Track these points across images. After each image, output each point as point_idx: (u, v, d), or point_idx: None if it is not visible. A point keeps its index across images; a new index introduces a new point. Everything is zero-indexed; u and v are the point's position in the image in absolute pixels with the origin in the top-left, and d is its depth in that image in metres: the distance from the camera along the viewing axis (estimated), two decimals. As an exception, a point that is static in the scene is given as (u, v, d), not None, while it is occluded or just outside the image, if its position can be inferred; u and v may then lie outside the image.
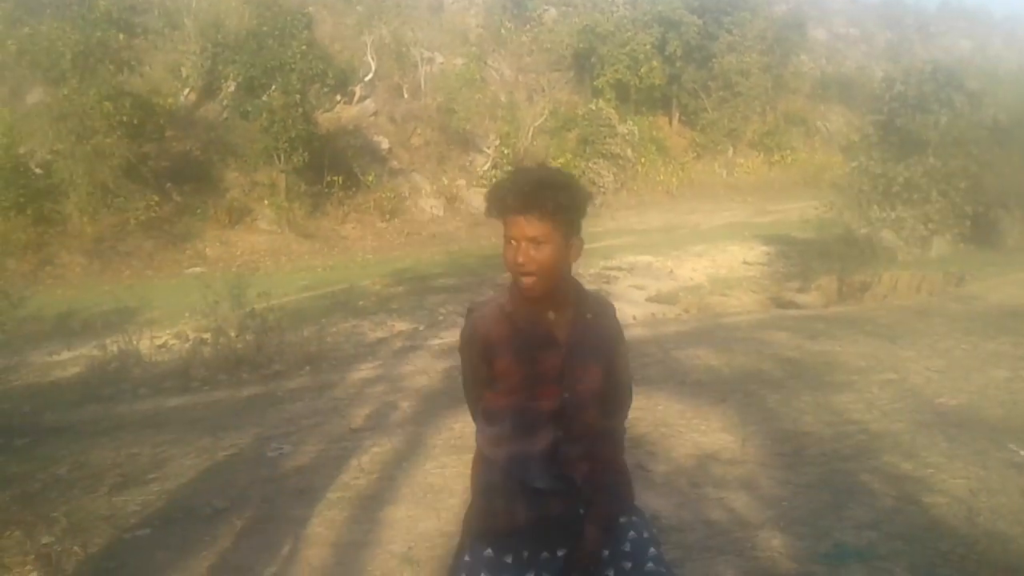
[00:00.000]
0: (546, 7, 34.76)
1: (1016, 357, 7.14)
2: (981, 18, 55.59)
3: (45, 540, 4.21)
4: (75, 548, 4.11)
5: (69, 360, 9.34)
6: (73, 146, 17.25)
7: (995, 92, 16.95)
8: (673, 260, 16.73)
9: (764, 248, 17.64)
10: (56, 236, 17.27)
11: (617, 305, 8.88)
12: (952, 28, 50.68)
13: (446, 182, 24.88)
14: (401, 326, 11.13)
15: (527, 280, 2.08)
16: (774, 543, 3.84)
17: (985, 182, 15.92)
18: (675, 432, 5.51)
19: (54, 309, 12.23)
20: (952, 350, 7.54)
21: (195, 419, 6.54)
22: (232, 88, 22.22)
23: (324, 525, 4.30)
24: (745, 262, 16.66)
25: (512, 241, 2.07)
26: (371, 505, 4.52)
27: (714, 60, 32.09)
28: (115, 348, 8.36)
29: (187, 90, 22.47)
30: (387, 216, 22.52)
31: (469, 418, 2.39)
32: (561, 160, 27.05)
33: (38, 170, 17.57)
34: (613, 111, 28.82)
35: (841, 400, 6.05)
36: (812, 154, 33.20)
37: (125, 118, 17.78)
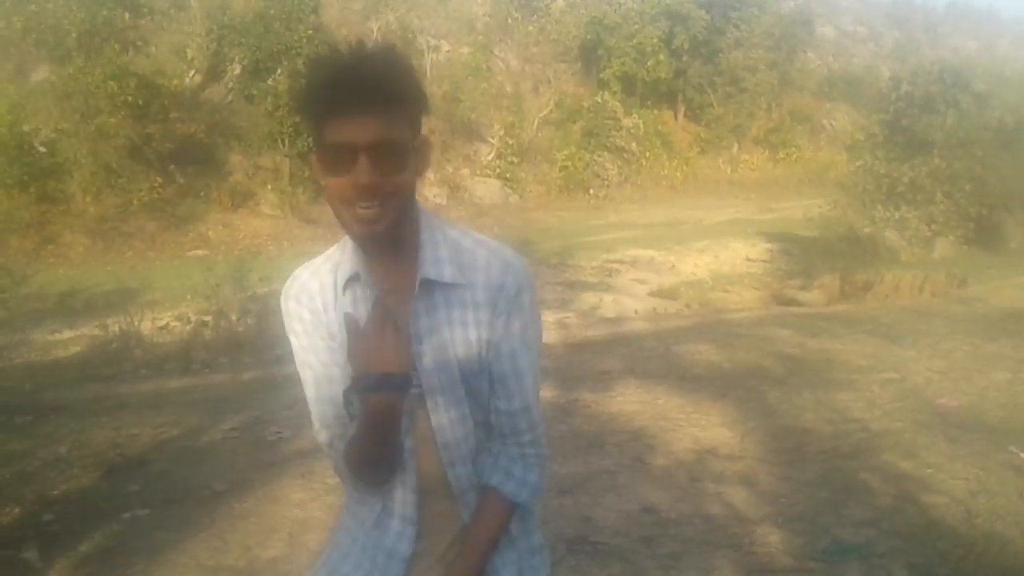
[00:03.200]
0: (554, -3, 34.66)
1: (1017, 360, 7.14)
2: (989, 19, 55.56)
3: (45, 518, 4.22)
4: (74, 527, 4.12)
5: (71, 339, 9.34)
6: (77, 125, 17.23)
7: (1002, 94, 16.94)
8: (675, 255, 16.71)
9: (767, 245, 17.63)
10: (59, 215, 17.25)
11: (619, 298, 8.91)
12: (959, 29, 50.61)
13: (450, 171, 24.84)
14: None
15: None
16: (772, 539, 3.85)
17: (990, 184, 15.91)
18: (675, 426, 5.52)
19: (56, 288, 12.22)
20: (953, 351, 7.54)
21: (195, 401, 6.54)
22: (237, 71, 22.15)
23: (324, 510, 4.30)
24: (748, 259, 16.65)
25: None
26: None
27: (721, 55, 32.01)
28: (116, 328, 8.36)
29: (192, 72, 22.40)
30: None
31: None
32: (565, 152, 27.04)
33: (42, 148, 17.54)
34: (618, 104, 28.76)
35: (842, 398, 6.06)
36: (817, 152, 33.14)
37: (130, 98, 17.75)
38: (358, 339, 1.43)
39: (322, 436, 1.61)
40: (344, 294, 1.53)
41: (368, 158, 1.34)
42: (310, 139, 1.45)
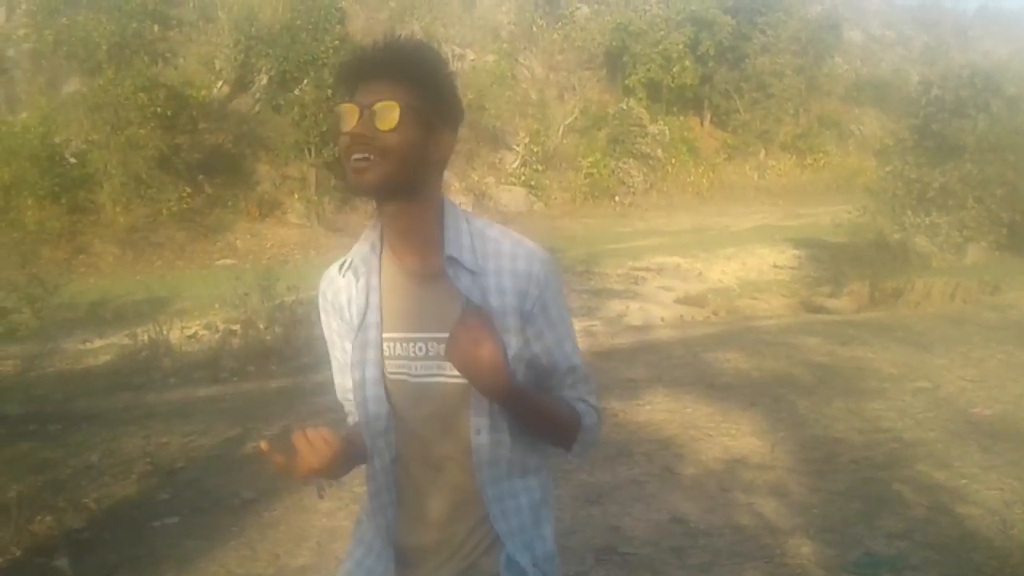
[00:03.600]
0: (578, 5, 34.66)
1: (1052, 368, 7.03)
2: (1020, 23, 54.81)
3: (75, 527, 4.25)
4: (104, 535, 4.15)
5: (101, 348, 9.43)
6: (108, 136, 17.46)
7: (1034, 98, 16.70)
8: (702, 262, 16.62)
9: (795, 252, 17.47)
10: (89, 225, 17.48)
11: (645, 306, 8.87)
12: (990, 33, 49.97)
13: (475, 179, 24.90)
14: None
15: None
16: (803, 550, 3.80)
17: (1022, 189, 15.68)
18: (704, 435, 5.47)
19: (87, 297, 12.37)
20: (987, 359, 7.43)
21: (224, 410, 6.58)
22: (265, 81, 22.37)
23: (351, 518, 4.29)
24: (775, 265, 16.52)
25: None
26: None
27: (747, 61, 31.88)
28: (146, 337, 8.44)
29: (220, 83, 22.64)
30: (416, 211, 22.54)
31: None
32: (591, 159, 27.01)
33: (73, 160, 17.80)
34: (644, 110, 28.74)
35: (873, 407, 5.98)
36: (845, 158, 32.87)
37: (159, 109, 17.98)
38: (458, 334, 1.43)
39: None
40: (351, 269, 1.61)
41: (365, 115, 1.44)
42: (337, 149, 1.52)
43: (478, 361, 1.40)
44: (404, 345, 1.55)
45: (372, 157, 1.43)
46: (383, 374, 1.56)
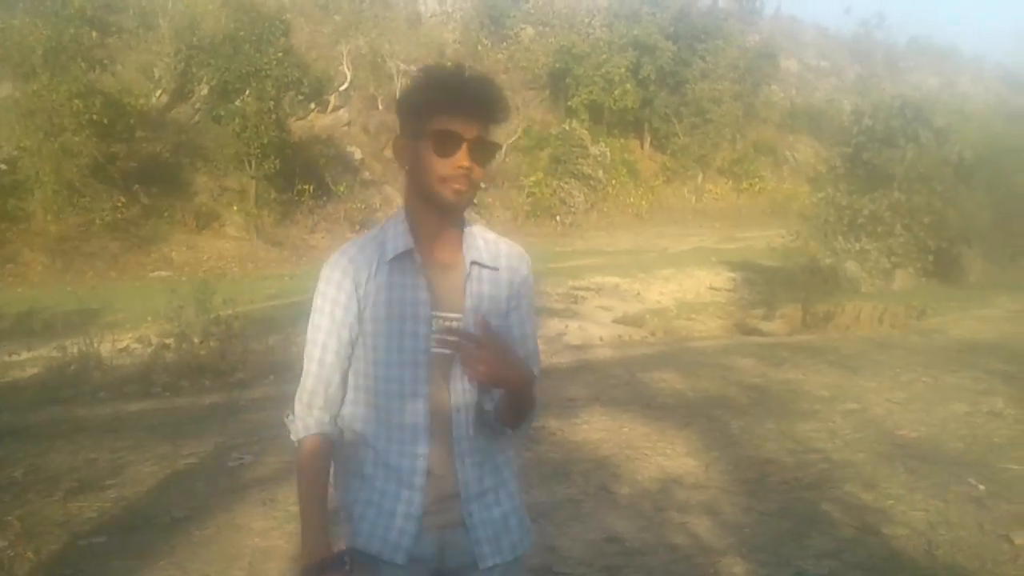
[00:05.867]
0: (523, 26, 34.95)
1: (976, 391, 7.26)
2: (950, 56, 56.70)
3: (-3, 545, 4.12)
4: (28, 553, 4.02)
5: (28, 360, 9.15)
6: (40, 143, 17.02)
7: (961, 129, 17.26)
8: (640, 282, 16.81)
9: (730, 274, 17.77)
10: (19, 234, 16.99)
11: (584, 325, 8.94)
12: (920, 65, 51.64)
13: (417, 195, 24.82)
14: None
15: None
16: (736, 570, 3.86)
17: (948, 218, 16.21)
18: (640, 455, 5.52)
19: (14, 308, 12.00)
20: (913, 382, 7.65)
21: (155, 425, 6.44)
22: (205, 91, 22.06)
23: (285, 538, 4.24)
24: (711, 287, 16.79)
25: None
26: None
27: (687, 86, 32.45)
28: (75, 350, 8.21)
29: (159, 91, 22.28)
30: (357, 227, 22.39)
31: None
32: (533, 178, 27.17)
33: (3, 166, 17.32)
34: (586, 132, 29.04)
35: (804, 429, 6.11)
36: (780, 183, 33.63)
37: (95, 117, 17.58)
38: (479, 349, 1.69)
39: (299, 407, 1.87)
40: (388, 266, 1.81)
41: (468, 148, 1.73)
42: (405, 128, 1.81)
43: (507, 373, 1.72)
44: (438, 321, 1.81)
45: (468, 185, 1.75)
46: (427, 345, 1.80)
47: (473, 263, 1.85)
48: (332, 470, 1.87)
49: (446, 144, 1.72)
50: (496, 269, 1.88)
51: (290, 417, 1.89)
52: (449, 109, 1.73)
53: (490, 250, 1.89)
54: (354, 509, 1.87)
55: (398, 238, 1.83)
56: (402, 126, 1.84)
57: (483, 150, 1.76)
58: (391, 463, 1.81)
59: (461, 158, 1.72)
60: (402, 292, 1.80)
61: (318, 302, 1.84)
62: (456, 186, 1.74)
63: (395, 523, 1.81)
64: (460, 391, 1.82)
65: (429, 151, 1.74)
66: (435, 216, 1.81)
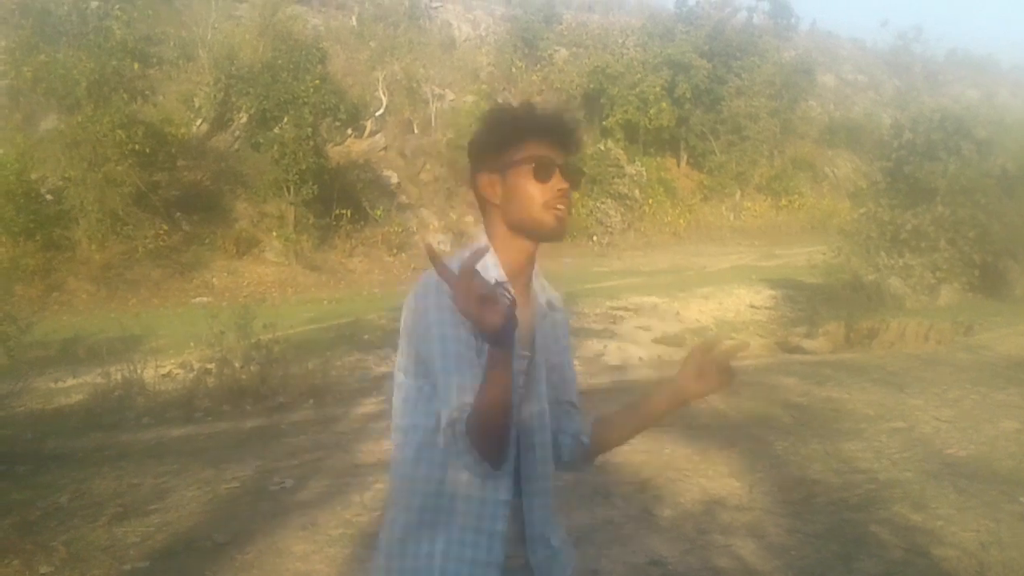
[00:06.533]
0: (557, 47, 35.10)
1: (1026, 408, 7.09)
2: (988, 68, 56.05)
3: (44, 570, 4.16)
4: (73, 579, 4.06)
5: (73, 387, 9.30)
6: (84, 173, 17.35)
7: (1003, 141, 16.98)
8: (679, 302, 16.68)
9: (771, 292, 17.59)
10: (64, 262, 17.31)
11: (623, 346, 8.89)
12: (959, 77, 51.04)
13: (454, 218, 24.97)
14: (406, 361, 11.05)
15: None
16: (782, 593, 3.79)
17: (993, 231, 15.91)
18: (682, 476, 5.46)
19: (60, 335, 12.21)
20: (961, 400, 7.49)
21: (198, 450, 6.50)
22: (244, 119, 22.39)
23: (326, 562, 4.25)
24: (752, 305, 16.62)
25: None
26: (373, 543, 4.46)
27: (723, 103, 32.31)
28: (119, 376, 8.32)
29: (199, 120, 22.64)
30: (394, 250, 22.56)
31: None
32: (569, 199, 27.16)
33: (49, 196, 17.66)
34: (622, 151, 28.97)
35: (849, 448, 6.00)
36: (820, 199, 33.27)
37: (137, 147, 17.89)
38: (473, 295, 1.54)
39: (454, 414, 1.67)
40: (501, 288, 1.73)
41: (561, 172, 1.81)
42: (487, 165, 1.86)
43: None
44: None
45: (566, 207, 1.82)
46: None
47: (548, 302, 1.94)
48: (395, 520, 1.86)
49: (545, 170, 1.79)
50: (558, 310, 1.98)
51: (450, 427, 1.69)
52: (537, 137, 1.80)
53: (550, 291, 1.98)
54: (431, 563, 1.76)
55: (488, 270, 1.77)
56: (481, 163, 1.88)
57: (574, 175, 1.84)
58: (472, 510, 1.74)
59: (559, 180, 1.80)
60: None
61: (435, 329, 1.71)
62: (559, 209, 1.80)
63: (477, 572, 1.74)
64: (535, 429, 1.84)
65: (527, 178, 1.80)
66: (524, 250, 1.85)
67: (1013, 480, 5.24)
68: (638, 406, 2.03)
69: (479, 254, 1.64)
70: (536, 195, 1.79)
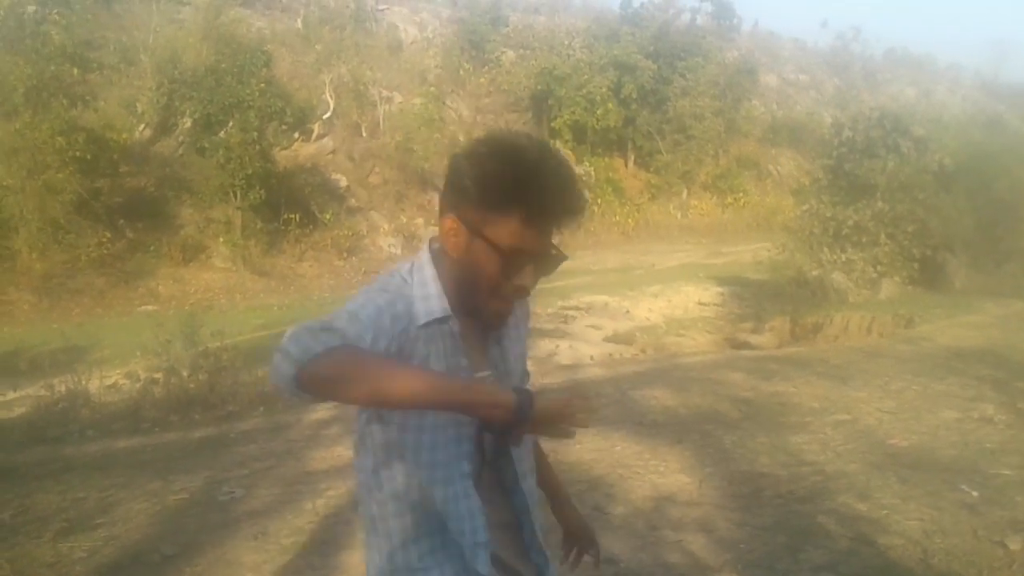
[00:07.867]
0: (504, 49, 35.15)
1: (965, 398, 7.28)
2: (926, 66, 57.42)
3: (-14, 589, 4.07)
4: (18, 597, 3.98)
5: (15, 400, 9.10)
6: (24, 181, 16.97)
7: (940, 138, 17.41)
8: (629, 300, 16.83)
9: (718, 289, 17.84)
10: (4, 273, 16.91)
11: (574, 345, 8.94)
12: (898, 76, 52.25)
13: (404, 220, 24.87)
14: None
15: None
16: (732, 586, 3.85)
17: (932, 226, 16.29)
18: (633, 473, 5.51)
19: (0, 348, 11.93)
20: (903, 391, 7.66)
21: (145, 462, 6.39)
22: (188, 124, 22.07)
23: (278, 572, 4.21)
24: (700, 303, 16.84)
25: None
26: (326, 550, 4.45)
27: (668, 104, 32.65)
28: (63, 388, 8.14)
29: (142, 126, 22.25)
30: (345, 254, 22.42)
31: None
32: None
33: (-14, 205, 17.26)
34: (570, 152, 29.12)
35: (796, 441, 6.11)
36: (764, 197, 33.81)
37: (78, 153, 17.54)
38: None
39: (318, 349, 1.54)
40: (423, 329, 1.60)
41: (534, 268, 1.59)
42: (465, 213, 1.58)
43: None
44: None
45: (517, 305, 1.71)
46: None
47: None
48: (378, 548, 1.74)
49: (516, 263, 1.56)
50: (514, 313, 1.73)
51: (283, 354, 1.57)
52: (530, 214, 1.52)
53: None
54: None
55: (430, 300, 1.61)
56: (455, 206, 1.61)
57: (549, 263, 1.62)
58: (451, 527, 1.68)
59: (525, 276, 1.57)
60: (437, 362, 1.60)
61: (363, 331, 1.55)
62: (503, 308, 1.63)
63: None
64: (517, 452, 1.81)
65: (492, 259, 1.55)
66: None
67: (954, 468, 5.38)
68: (554, 491, 2.23)
69: (414, 279, 1.62)
70: (492, 280, 1.57)
